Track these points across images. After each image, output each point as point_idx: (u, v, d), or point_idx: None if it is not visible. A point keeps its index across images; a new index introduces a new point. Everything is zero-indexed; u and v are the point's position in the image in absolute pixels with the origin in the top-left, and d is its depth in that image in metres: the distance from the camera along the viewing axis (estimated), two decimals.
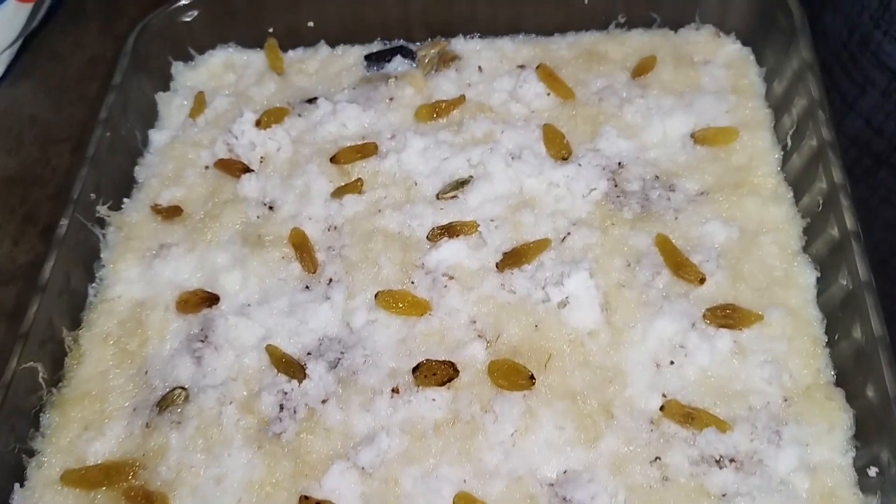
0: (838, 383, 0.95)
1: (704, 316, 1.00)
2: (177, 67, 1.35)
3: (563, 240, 1.09)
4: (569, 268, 1.04)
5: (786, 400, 0.94)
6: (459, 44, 1.33)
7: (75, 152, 1.46)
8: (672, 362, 0.97)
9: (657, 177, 1.14)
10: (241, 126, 1.23)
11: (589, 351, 0.99)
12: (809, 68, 1.12)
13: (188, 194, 1.20)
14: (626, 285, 1.04)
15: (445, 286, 1.05)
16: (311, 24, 1.35)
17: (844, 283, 0.97)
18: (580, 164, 1.14)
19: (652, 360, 0.98)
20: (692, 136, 1.16)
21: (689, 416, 0.93)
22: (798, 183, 1.10)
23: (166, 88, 1.34)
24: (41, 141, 1.49)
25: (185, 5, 1.33)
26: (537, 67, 1.25)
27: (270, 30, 1.36)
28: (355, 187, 1.15)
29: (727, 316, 0.99)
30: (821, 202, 1.03)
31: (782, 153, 1.14)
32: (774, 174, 1.12)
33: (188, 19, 1.34)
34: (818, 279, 1.02)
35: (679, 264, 1.03)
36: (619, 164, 1.15)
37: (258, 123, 1.23)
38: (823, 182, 1.04)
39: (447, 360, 0.99)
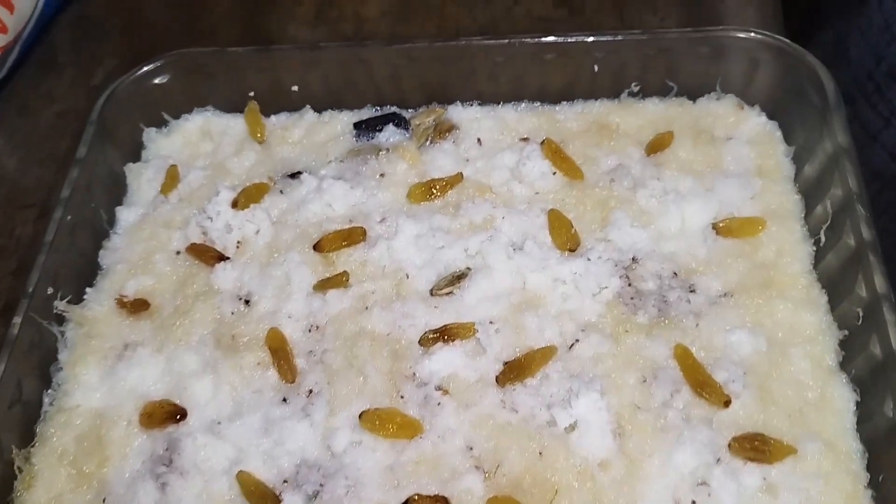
0: None
1: (730, 446, 0.88)
2: (148, 134, 1.24)
3: (570, 347, 0.97)
4: (577, 384, 0.93)
5: None
6: (457, 111, 1.21)
7: (41, 219, 1.34)
8: (694, 502, 0.86)
9: (675, 274, 1.02)
10: (217, 206, 1.12)
11: (600, 486, 0.88)
12: (846, 154, 1.01)
13: (157, 284, 1.09)
14: (642, 406, 0.92)
15: (439, 403, 0.94)
16: (295, 88, 1.23)
17: (890, 414, 0.85)
18: (589, 259, 1.03)
19: (671, 499, 0.87)
20: (714, 226, 1.05)
21: None
22: (833, 286, 0.98)
23: (136, 158, 1.23)
24: (5, 205, 1.37)
25: (157, 67, 1.21)
26: (542, 142, 1.13)
27: (251, 93, 1.24)
28: (340, 281, 1.04)
29: (756, 448, 0.88)
30: (861, 314, 0.92)
31: (815, 248, 1.03)
32: (806, 273, 1.01)
33: (161, 81, 1.22)
34: (857, 403, 0.91)
35: (701, 383, 0.92)
36: (633, 258, 1.03)
37: (235, 204, 1.12)
38: (864, 290, 0.93)
39: (439, 494, 0.88)
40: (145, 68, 1.21)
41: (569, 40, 1.16)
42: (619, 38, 1.15)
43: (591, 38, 1.15)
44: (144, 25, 1.57)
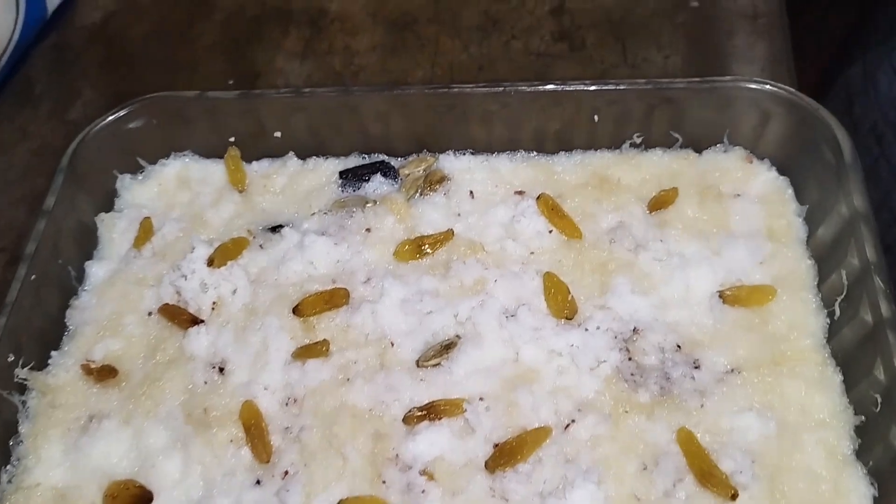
0: None
1: None
2: (122, 181, 1.17)
3: (566, 428, 0.91)
4: (573, 472, 0.86)
5: None
6: (448, 161, 1.14)
7: (10, 266, 1.27)
8: None
9: (679, 346, 0.95)
10: (192, 264, 1.05)
11: None
12: (863, 220, 0.94)
13: (126, 348, 1.02)
14: (642, 498, 0.86)
15: (423, 490, 0.88)
16: (277, 134, 1.17)
17: None
18: (587, 329, 0.96)
19: None
20: (720, 294, 0.98)
21: None
22: (849, 365, 0.92)
23: (109, 206, 1.16)
24: None
25: (132, 111, 1.15)
26: (538, 198, 1.07)
27: (232, 139, 1.18)
28: (320, 350, 0.98)
29: None
30: (879, 401, 0.85)
31: (828, 321, 0.96)
32: (819, 348, 0.94)
33: (136, 126, 1.15)
34: (875, 499, 0.84)
35: (706, 474, 0.85)
36: (634, 329, 0.97)
37: (210, 262, 1.05)
38: (882, 374, 0.86)
39: None
40: (120, 112, 1.14)
41: (567, 88, 1.09)
42: (622, 87, 1.08)
43: (592, 87, 1.08)
44: (125, 56, 1.50)
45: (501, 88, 1.10)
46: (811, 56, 1.57)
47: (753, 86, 1.06)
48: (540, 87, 1.09)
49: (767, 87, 1.05)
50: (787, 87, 1.05)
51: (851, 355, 0.91)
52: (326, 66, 1.43)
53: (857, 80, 1.46)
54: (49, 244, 1.05)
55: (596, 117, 1.10)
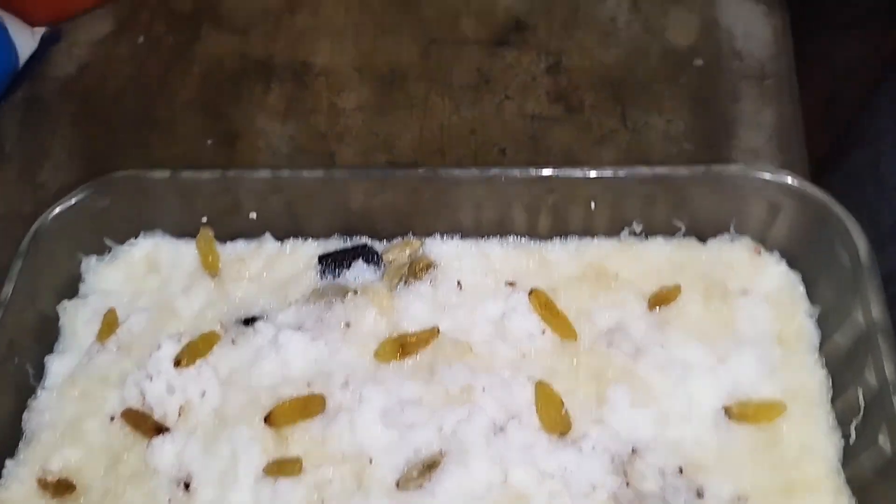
0: None
1: None
2: (88, 264, 1.10)
3: None
4: None
5: None
6: (435, 245, 1.07)
7: None
8: None
9: (681, 469, 0.88)
10: (158, 364, 0.98)
11: None
12: (881, 333, 0.86)
13: (86, 459, 0.95)
14: None
15: None
16: (253, 215, 1.09)
17: None
18: (581, 449, 0.89)
19: None
20: (726, 409, 0.91)
21: None
22: (865, 498, 0.84)
23: (72, 291, 1.08)
24: None
25: (97, 191, 1.07)
26: (530, 293, 0.99)
27: (205, 219, 1.10)
28: (292, 469, 0.90)
29: None
30: None
31: (843, 441, 0.88)
32: (833, 474, 0.87)
33: (103, 205, 1.08)
34: None
35: None
36: (633, 449, 0.89)
37: (178, 363, 0.98)
38: None
39: None
40: (84, 193, 1.07)
41: (562, 175, 1.01)
42: (622, 174, 1.00)
43: (591, 173, 1.01)
44: (99, 112, 1.42)
45: (491, 174, 1.02)
46: (826, 104, 1.48)
47: (763, 175, 0.98)
48: (533, 174, 1.02)
49: (781, 178, 0.97)
50: (798, 177, 0.97)
51: (868, 486, 0.84)
52: (310, 126, 1.36)
53: (886, 136, 1.38)
54: (5, 340, 0.98)
55: (593, 204, 1.03)
